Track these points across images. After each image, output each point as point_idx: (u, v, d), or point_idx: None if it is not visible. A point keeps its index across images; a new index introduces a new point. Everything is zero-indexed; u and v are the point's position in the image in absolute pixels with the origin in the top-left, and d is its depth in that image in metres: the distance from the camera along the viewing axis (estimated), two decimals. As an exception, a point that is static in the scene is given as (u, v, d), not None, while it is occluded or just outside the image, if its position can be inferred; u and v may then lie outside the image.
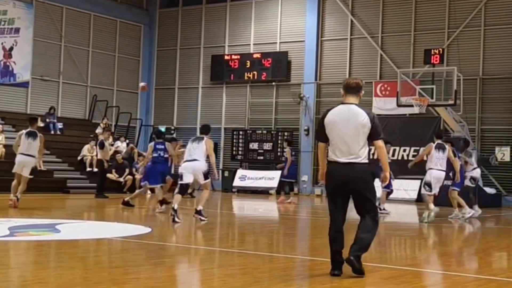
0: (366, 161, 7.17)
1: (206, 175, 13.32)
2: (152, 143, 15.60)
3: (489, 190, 22.86)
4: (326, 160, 7.29)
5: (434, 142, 14.98)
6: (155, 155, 15.25)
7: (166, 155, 15.45)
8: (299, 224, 15.13)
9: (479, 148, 24.28)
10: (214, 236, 12.09)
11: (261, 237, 11.85)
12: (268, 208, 18.79)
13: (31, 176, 15.48)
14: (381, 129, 7.30)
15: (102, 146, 20.42)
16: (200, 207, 13.25)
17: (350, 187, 7.13)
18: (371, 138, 7.18)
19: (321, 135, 7.30)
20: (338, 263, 7.21)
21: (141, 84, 24.54)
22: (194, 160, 13.17)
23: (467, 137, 22.82)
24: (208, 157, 13.36)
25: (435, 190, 14.78)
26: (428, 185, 14.72)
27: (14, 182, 15.29)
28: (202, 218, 13.22)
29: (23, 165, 15.23)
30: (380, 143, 7.23)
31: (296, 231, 13.51)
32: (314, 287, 7.02)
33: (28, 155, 15.23)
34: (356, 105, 7.21)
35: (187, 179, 13.33)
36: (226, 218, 16.63)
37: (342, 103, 7.28)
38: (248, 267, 8.00)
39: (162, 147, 15.39)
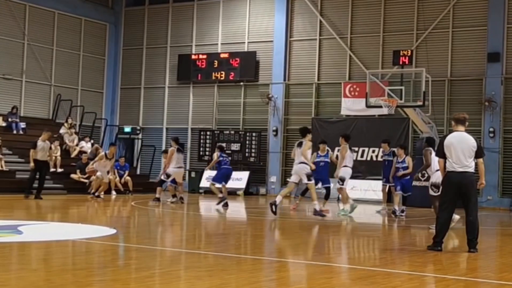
0: (474, 170, 9.83)
1: (309, 177, 15.21)
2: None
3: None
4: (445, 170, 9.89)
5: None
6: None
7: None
8: (267, 225, 14.99)
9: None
10: (181, 237, 11.91)
11: (228, 238, 11.70)
12: (236, 209, 18.63)
13: None
14: (483, 150, 10.27)
15: (34, 146, 20.25)
16: (316, 206, 15.50)
17: (462, 188, 9.81)
18: (476, 156, 9.87)
19: (441, 153, 9.96)
20: (440, 242, 9.85)
21: None
22: (298, 163, 15.19)
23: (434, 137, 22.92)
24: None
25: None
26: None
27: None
28: (322, 214, 15.59)
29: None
30: (481, 160, 10.04)
31: (264, 233, 13.38)
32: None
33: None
34: (466, 132, 9.97)
35: (293, 178, 15.53)
36: (193, 219, 16.44)
37: (455, 131, 9.99)
38: (215, 269, 7.86)
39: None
